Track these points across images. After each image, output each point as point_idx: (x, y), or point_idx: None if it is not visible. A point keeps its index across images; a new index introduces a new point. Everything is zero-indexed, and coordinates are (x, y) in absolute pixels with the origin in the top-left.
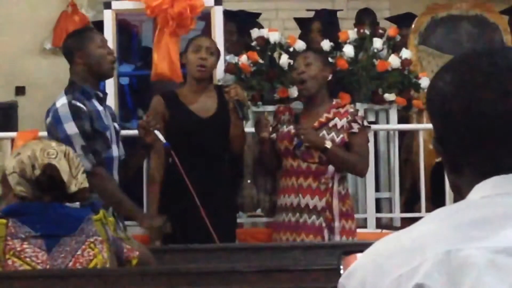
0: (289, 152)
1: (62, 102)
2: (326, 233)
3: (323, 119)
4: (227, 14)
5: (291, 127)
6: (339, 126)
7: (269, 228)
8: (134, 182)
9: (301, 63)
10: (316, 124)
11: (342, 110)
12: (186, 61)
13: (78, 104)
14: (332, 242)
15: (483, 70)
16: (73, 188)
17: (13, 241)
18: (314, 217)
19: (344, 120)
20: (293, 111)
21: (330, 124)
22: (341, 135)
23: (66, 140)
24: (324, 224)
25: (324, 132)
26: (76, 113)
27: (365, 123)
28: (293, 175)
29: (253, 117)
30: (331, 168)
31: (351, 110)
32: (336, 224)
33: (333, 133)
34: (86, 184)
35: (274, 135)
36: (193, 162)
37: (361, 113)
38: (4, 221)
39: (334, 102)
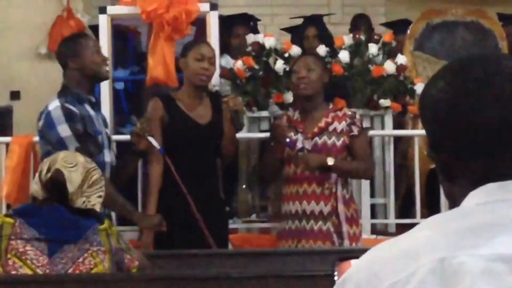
0: (291, 158)
1: (54, 105)
2: (335, 238)
3: (322, 124)
4: (222, 19)
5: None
6: (339, 130)
7: (262, 233)
8: (129, 187)
9: (301, 68)
10: (316, 129)
11: (340, 113)
12: (185, 66)
13: (71, 107)
14: (329, 248)
15: (476, 77)
16: (78, 203)
17: (16, 242)
18: (320, 222)
19: (344, 123)
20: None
21: (330, 129)
22: (342, 138)
23: (60, 143)
24: (332, 229)
25: (325, 137)
26: (68, 116)
27: (364, 125)
28: (296, 182)
29: (248, 123)
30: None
31: (349, 112)
32: (344, 228)
33: (333, 137)
34: (98, 209)
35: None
36: (188, 166)
37: (358, 114)
38: (11, 220)
39: (330, 106)
